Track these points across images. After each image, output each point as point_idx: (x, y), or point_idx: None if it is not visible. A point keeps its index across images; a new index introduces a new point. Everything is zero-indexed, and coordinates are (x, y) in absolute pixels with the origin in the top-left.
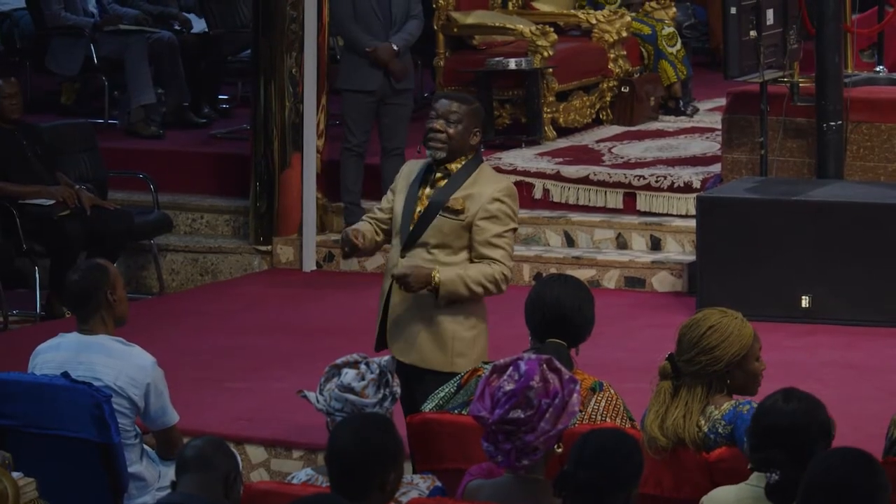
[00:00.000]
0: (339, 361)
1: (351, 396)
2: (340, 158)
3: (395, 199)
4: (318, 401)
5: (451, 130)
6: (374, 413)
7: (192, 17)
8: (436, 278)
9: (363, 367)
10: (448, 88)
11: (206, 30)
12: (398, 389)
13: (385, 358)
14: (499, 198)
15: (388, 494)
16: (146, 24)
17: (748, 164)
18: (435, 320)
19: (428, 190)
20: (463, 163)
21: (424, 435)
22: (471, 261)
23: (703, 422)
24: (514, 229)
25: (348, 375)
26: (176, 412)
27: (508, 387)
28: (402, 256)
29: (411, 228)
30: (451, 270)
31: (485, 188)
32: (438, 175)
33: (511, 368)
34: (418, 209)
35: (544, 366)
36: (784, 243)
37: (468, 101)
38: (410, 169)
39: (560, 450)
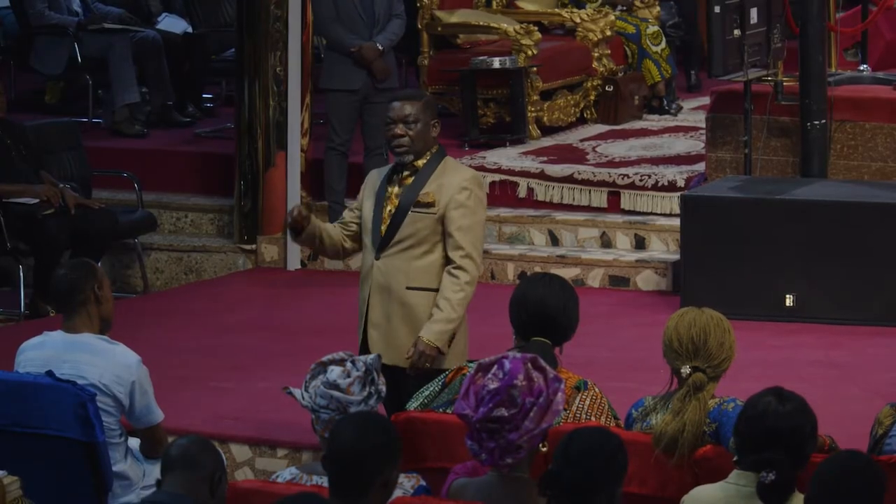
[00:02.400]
0: (324, 359)
1: (336, 393)
2: (324, 157)
3: (363, 205)
4: (303, 398)
5: (411, 133)
6: (372, 412)
7: (174, 17)
8: (433, 344)
9: (349, 364)
10: (432, 87)
11: (189, 29)
12: (383, 388)
13: (371, 356)
14: (467, 186)
15: (389, 492)
16: (130, 22)
17: (732, 163)
18: (413, 321)
19: (396, 189)
20: (428, 157)
21: (409, 433)
22: (445, 257)
23: None
24: (482, 220)
25: (334, 372)
26: (160, 411)
27: (492, 385)
28: (378, 258)
29: (384, 229)
30: (432, 326)
31: (452, 178)
32: (406, 173)
33: (495, 367)
34: (388, 209)
35: (529, 364)
36: (768, 242)
37: (418, 97)
38: (374, 177)
39: (545, 449)
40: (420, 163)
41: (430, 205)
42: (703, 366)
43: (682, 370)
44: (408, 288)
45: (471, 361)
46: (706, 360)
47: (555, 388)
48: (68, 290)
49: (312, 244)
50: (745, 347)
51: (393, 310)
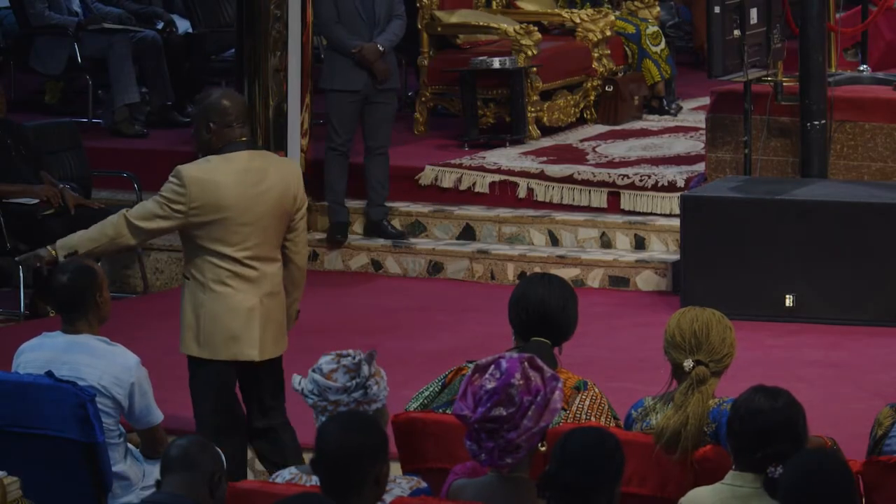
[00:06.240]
0: (338, 352)
1: (317, 377)
2: (325, 158)
3: None
4: (299, 383)
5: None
6: (356, 411)
7: (176, 17)
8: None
9: (345, 355)
10: (432, 87)
11: (191, 29)
12: (376, 386)
13: (369, 351)
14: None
15: (382, 487)
16: (130, 23)
17: (732, 164)
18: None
19: None
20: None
21: (409, 434)
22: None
23: None
24: (163, 196)
25: (325, 359)
26: (160, 411)
27: (490, 385)
28: None
29: None
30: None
31: None
32: None
33: (492, 367)
34: None
35: (525, 364)
36: (768, 242)
37: (201, 99)
38: None
39: (544, 448)
40: None
41: None
42: (705, 360)
43: (685, 364)
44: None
45: (470, 362)
46: (708, 354)
47: (552, 386)
48: (70, 300)
49: None
50: (745, 347)
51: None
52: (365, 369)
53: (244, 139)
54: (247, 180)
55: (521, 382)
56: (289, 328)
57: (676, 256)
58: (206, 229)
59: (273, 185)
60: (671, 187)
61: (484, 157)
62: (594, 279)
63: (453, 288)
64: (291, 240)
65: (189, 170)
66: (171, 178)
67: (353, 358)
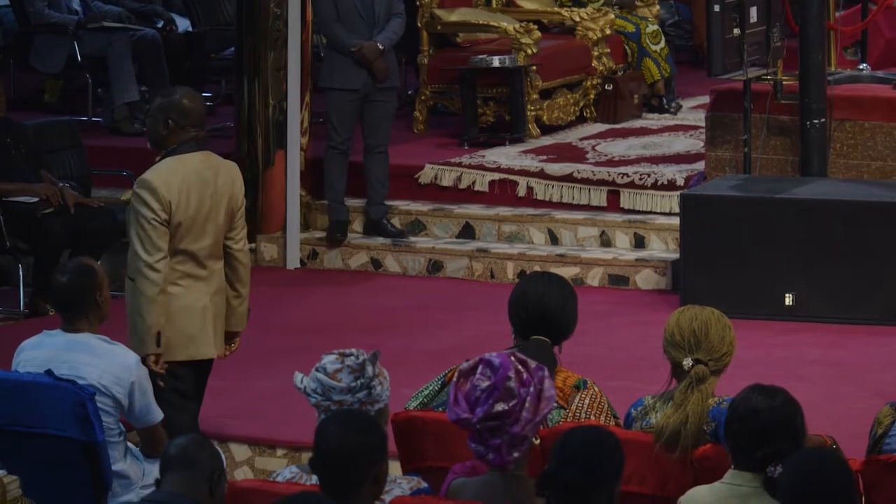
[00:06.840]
0: (341, 350)
1: (321, 376)
2: (325, 156)
3: None
4: (302, 381)
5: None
6: (354, 410)
7: (175, 15)
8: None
9: (348, 355)
10: (432, 86)
11: (190, 28)
12: (379, 387)
13: (373, 351)
14: (133, 189)
15: (381, 485)
16: (130, 21)
17: (732, 162)
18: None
19: None
20: (161, 156)
21: (409, 433)
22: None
23: None
24: (147, 218)
25: (328, 359)
26: (160, 410)
27: (485, 384)
28: None
29: None
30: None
31: None
32: None
33: (481, 367)
34: None
35: (513, 358)
36: (768, 241)
37: (164, 95)
38: None
39: (538, 441)
40: (157, 160)
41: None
42: (704, 359)
43: (684, 362)
44: None
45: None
46: (708, 352)
47: (539, 376)
48: (70, 299)
49: None
50: (744, 346)
51: None
52: (369, 369)
53: (196, 140)
54: (202, 180)
55: (514, 376)
56: (242, 327)
57: (676, 255)
58: (174, 232)
59: (223, 185)
60: (671, 186)
61: (483, 156)
62: (594, 278)
63: (453, 286)
64: (233, 237)
65: (153, 178)
66: (139, 192)
67: (357, 358)
